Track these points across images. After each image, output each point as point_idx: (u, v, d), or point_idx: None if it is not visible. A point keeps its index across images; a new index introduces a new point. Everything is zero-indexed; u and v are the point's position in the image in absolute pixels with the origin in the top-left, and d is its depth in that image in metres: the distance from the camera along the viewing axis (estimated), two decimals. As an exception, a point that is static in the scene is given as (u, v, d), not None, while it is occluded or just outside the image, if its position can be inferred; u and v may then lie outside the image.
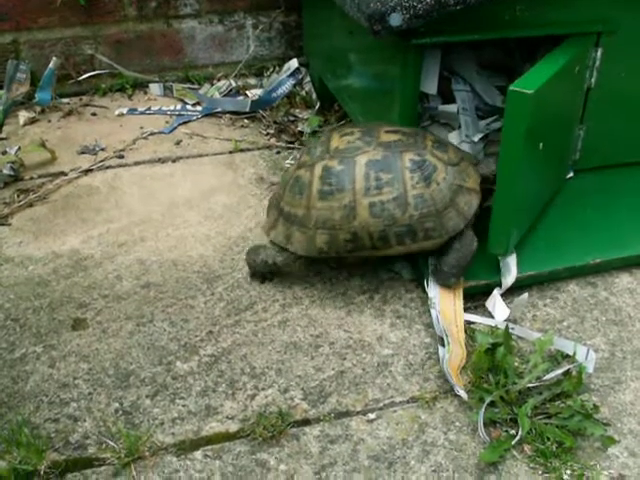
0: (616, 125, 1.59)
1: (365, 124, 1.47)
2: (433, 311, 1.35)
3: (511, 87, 1.21)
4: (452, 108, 1.64)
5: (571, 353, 1.27)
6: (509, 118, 1.24)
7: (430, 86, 1.60)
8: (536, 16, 1.39)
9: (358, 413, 1.21)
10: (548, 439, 1.14)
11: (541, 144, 1.34)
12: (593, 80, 1.52)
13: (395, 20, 1.22)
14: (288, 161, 1.88)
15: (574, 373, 1.23)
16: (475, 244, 1.38)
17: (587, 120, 1.57)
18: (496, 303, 1.37)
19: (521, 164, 1.27)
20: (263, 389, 1.24)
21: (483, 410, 1.17)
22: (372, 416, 1.20)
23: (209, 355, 1.30)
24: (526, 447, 1.15)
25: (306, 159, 1.41)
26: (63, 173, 1.85)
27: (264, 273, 1.47)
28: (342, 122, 2.01)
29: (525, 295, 1.39)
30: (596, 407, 1.19)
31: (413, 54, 1.40)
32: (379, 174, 1.33)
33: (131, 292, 1.45)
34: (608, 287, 1.49)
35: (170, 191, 1.77)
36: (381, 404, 1.22)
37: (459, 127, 1.62)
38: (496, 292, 1.39)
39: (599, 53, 1.48)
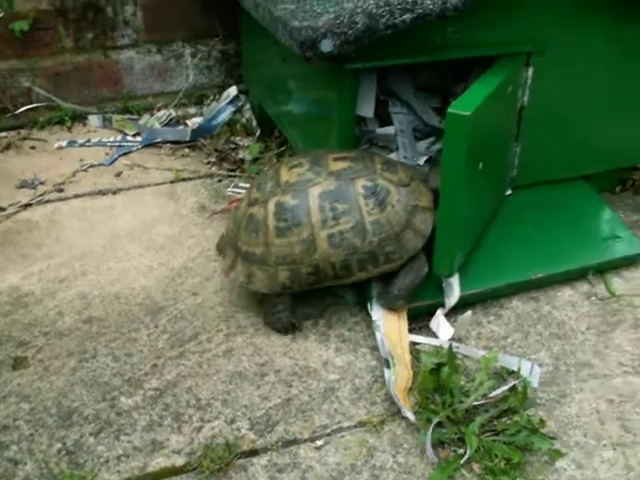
0: (550, 142, 1.62)
1: (310, 152, 1.47)
2: (378, 334, 1.35)
3: (449, 109, 1.23)
4: (389, 130, 1.66)
5: (516, 369, 1.28)
6: (449, 140, 1.25)
7: (367, 110, 1.62)
8: (467, 38, 1.41)
9: (306, 440, 1.19)
10: (496, 456, 1.15)
11: (481, 164, 1.36)
12: (525, 99, 1.55)
13: (326, 46, 1.23)
14: (230, 189, 1.87)
15: (519, 389, 1.24)
16: (426, 268, 1.39)
17: (522, 138, 1.60)
18: (440, 323, 1.38)
19: (463, 185, 1.29)
20: (209, 421, 1.22)
21: (430, 431, 1.17)
22: (320, 443, 1.19)
23: (154, 389, 1.28)
24: (475, 465, 1.15)
25: (257, 195, 1.39)
26: (1, 208, 1.81)
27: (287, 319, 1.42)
28: (283, 148, 2.01)
29: (469, 313, 1.40)
30: (542, 421, 1.20)
31: (348, 79, 1.42)
32: (334, 204, 1.33)
33: (73, 328, 1.42)
34: (550, 301, 1.51)
35: (111, 223, 1.74)
36: (329, 430, 1.21)
37: (397, 149, 1.64)
38: (439, 312, 1.40)
39: (530, 72, 1.51)
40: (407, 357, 1.31)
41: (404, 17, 1.25)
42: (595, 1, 1.48)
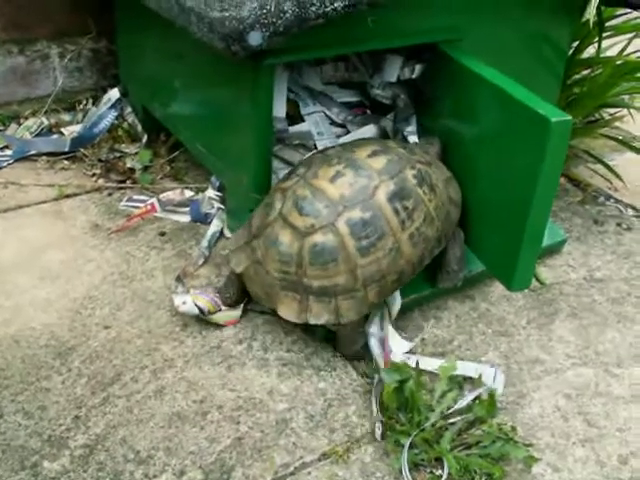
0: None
1: (328, 156, 1.30)
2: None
3: (553, 119, 1.13)
4: (304, 127, 1.54)
5: (475, 376, 1.22)
6: (553, 148, 1.15)
7: (279, 109, 1.49)
8: (387, 28, 1.33)
9: (270, 484, 1.06)
10: (475, 472, 1.07)
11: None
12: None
13: (254, 39, 1.10)
14: (124, 203, 1.67)
15: (484, 397, 1.17)
16: (462, 233, 1.39)
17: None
18: (393, 337, 1.29)
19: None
20: (155, 476, 1.05)
21: (405, 455, 1.08)
22: (286, 484, 1.06)
23: (81, 446, 1.09)
24: (455, 485, 1.07)
25: (312, 222, 1.20)
26: None
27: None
28: (175, 153, 1.84)
29: None
30: (514, 429, 1.15)
31: (265, 75, 1.29)
32: (403, 203, 1.24)
33: (-35, 383, 1.19)
34: (486, 297, 1.47)
35: (-9, 253, 1.50)
36: (292, 468, 1.09)
37: (315, 148, 1.53)
38: (390, 327, 1.31)
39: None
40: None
41: (335, 5, 1.14)
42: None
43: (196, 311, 1.32)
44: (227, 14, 1.11)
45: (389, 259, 1.22)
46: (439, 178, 1.33)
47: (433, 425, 1.13)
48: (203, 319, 1.33)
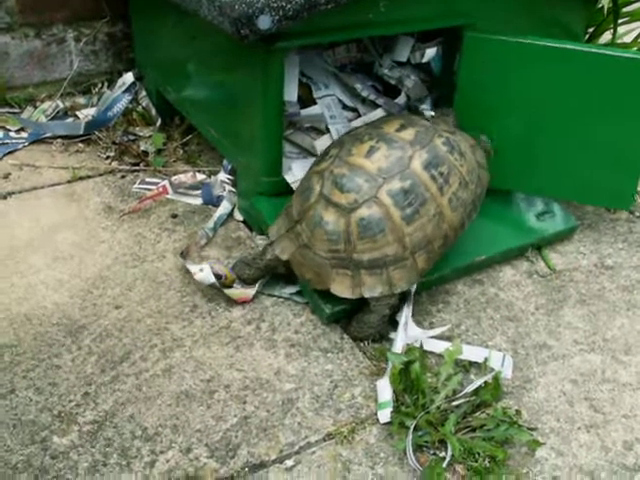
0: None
1: (360, 132, 1.32)
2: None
3: None
4: (316, 110, 1.55)
5: (480, 361, 1.23)
6: None
7: (290, 93, 1.50)
8: (398, 13, 1.33)
9: (274, 462, 1.07)
10: (479, 455, 1.08)
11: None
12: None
13: (264, 23, 1.10)
14: (137, 186, 1.69)
15: (490, 380, 1.18)
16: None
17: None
18: (410, 323, 1.29)
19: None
20: (162, 452, 1.07)
21: (410, 437, 1.08)
22: (290, 463, 1.07)
23: (90, 422, 1.11)
24: (458, 467, 1.08)
25: (354, 197, 1.22)
26: None
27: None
28: (189, 137, 1.86)
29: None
30: (519, 412, 1.15)
31: (276, 60, 1.29)
32: (439, 169, 1.28)
33: (-22, 360, 1.22)
34: (495, 283, 1.47)
35: (6, 233, 1.52)
36: (297, 447, 1.10)
37: (327, 131, 1.53)
38: (409, 312, 1.31)
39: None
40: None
41: (345, -11, 1.14)
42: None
43: (212, 279, 1.34)
44: (237, -3, 1.11)
45: (433, 224, 1.26)
46: (466, 144, 1.36)
47: (438, 408, 1.14)
48: (216, 294, 1.35)
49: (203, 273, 1.34)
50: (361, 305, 1.31)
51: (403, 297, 1.33)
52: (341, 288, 1.26)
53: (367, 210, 1.22)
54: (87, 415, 1.12)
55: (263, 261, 1.35)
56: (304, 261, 1.28)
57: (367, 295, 1.25)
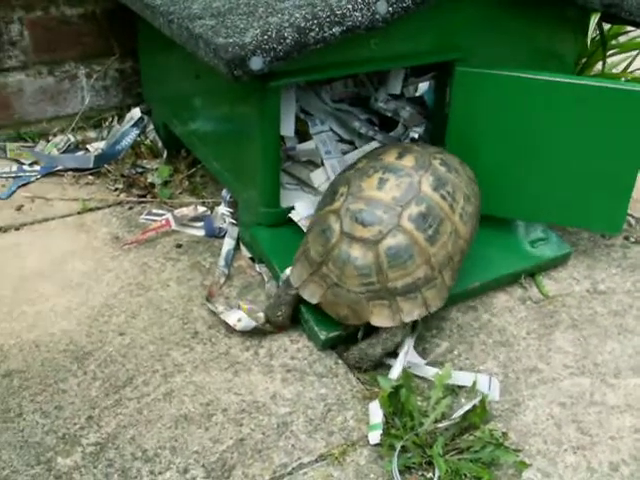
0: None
1: (364, 168, 1.37)
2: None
3: None
4: (311, 145, 1.61)
5: (469, 385, 1.27)
6: None
7: (287, 129, 1.56)
8: (389, 49, 1.39)
9: (267, 482, 1.12)
10: (465, 476, 1.12)
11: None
12: (447, 107, 1.55)
13: (256, 64, 1.17)
14: (144, 216, 1.75)
15: (478, 404, 1.22)
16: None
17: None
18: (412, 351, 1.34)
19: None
20: (160, 473, 1.12)
21: (396, 458, 1.12)
22: (283, 483, 1.12)
23: (93, 444, 1.16)
24: (445, 488, 1.12)
25: (378, 229, 1.26)
26: None
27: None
28: (193, 169, 1.93)
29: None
30: (505, 434, 1.19)
31: (271, 96, 1.36)
32: (446, 189, 1.35)
33: (-11, 384, 1.28)
34: (488, 309, 1.51)
35: (18, 263, 1.59)
36: (289, 468, 1.14)
37: (322, 164, 1.59)
38: (411, 341, 1.36)
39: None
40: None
41: (333, 30, 1.20)
42: (510, 6, 1.50)
43: (253, 324, 1.38)
44: (231, 40, 1.18)
45: (452, 241, 1.33)
46: (455, 162, 1.44)
47: (426, 430, 1.18)
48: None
49: (242, 322, 1.37)
50: (356, 331, 1.35)
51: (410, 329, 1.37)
52: (381, 319, 1.29)
53: (393, 239, 1.27)
54: (90, 437, 1.18)
55: (289, 295, 1.38)
56: (337, 300, 1.30)
57: (407, 320, 1.30)
